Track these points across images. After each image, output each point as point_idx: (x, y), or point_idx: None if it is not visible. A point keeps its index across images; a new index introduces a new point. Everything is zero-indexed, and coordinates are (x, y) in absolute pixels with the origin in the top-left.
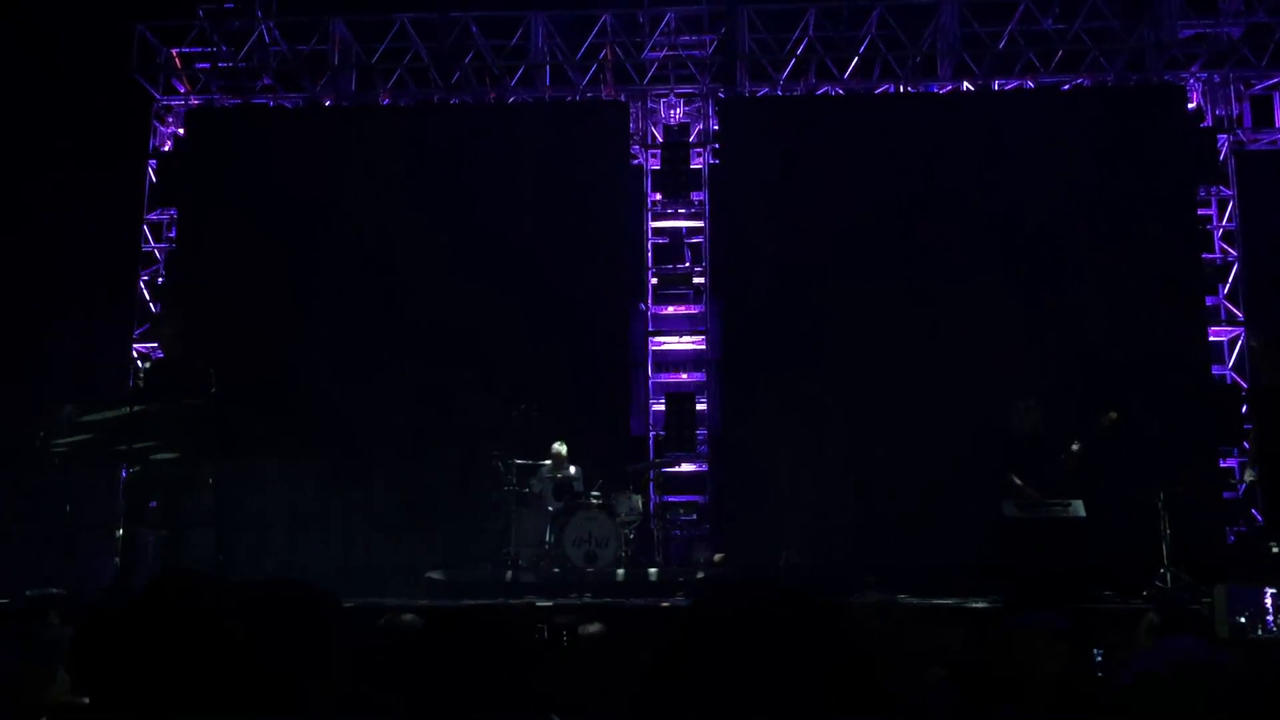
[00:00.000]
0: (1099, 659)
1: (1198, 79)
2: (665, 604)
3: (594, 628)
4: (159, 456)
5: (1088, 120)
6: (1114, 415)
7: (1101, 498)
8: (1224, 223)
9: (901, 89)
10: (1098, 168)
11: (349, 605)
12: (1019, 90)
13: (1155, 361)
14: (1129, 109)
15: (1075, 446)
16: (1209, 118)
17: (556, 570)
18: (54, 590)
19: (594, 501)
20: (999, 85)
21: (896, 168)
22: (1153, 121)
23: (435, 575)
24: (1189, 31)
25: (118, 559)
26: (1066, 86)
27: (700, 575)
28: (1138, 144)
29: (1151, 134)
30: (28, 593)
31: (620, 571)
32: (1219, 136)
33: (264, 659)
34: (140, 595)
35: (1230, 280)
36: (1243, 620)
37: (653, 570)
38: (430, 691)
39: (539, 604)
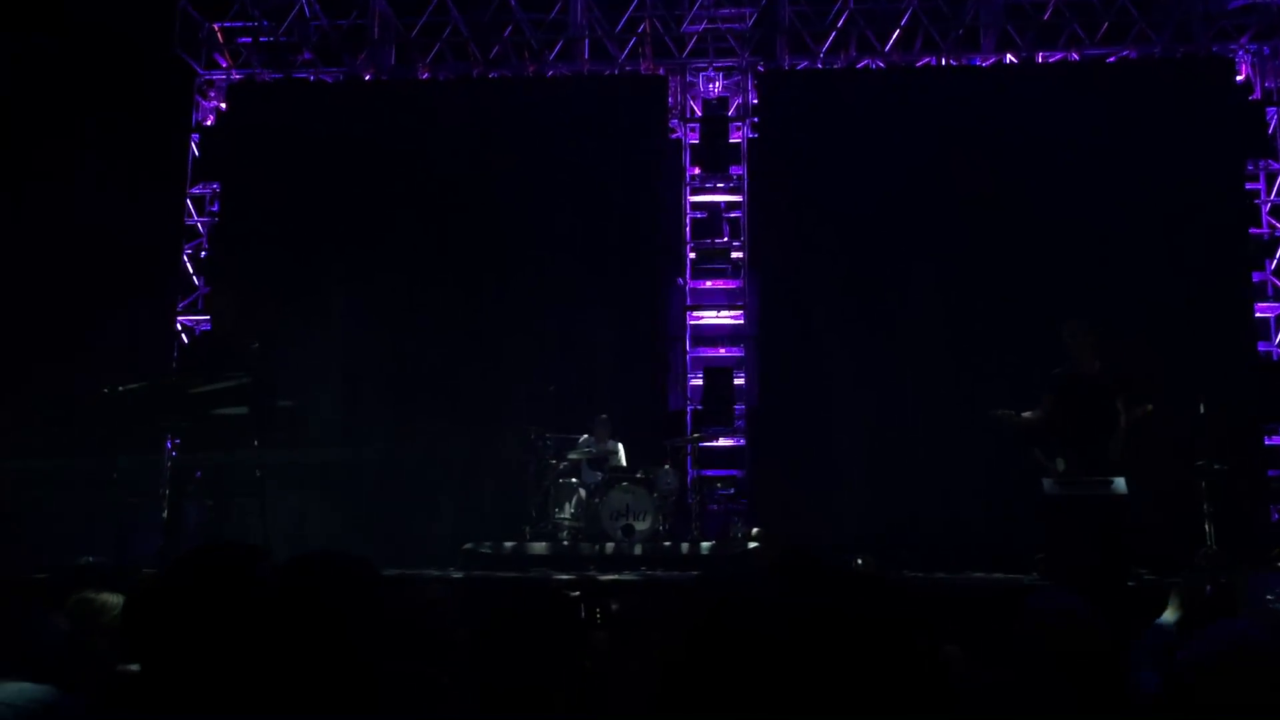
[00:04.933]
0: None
1: (1247, 51)
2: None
3: (623, 603)
4: (204, 428)
5: (1134, 93)
6: (1149, 408)
7: (1143, 475)
8: (1272, 197)
9: (943, 62)
10: (1143, 141)
11: (389, 575)
12: (1063, 63)
13: (1200, 337)
14: (1176, 81)
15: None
16: (1258, 90)
17: (594, 544)
18: (101, 560)
19: (632, 475)
20: (1043, 58)
21: (938, 141)
22: (1200, 94)
23: (473, 547)
24: (1238, 2)
25: (163, 529)
26: (1112, 59)
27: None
28: (1185, 117)
29: (1199, 107)
30: (77, 562)
31: (672, 545)
32: (1268, 109)
33: (305, 628)
34: (182, 564)
35: (1278, 256)
36: (1272, 604)
37: (686, 545)
38: (466, 662)
39: (573, 577)
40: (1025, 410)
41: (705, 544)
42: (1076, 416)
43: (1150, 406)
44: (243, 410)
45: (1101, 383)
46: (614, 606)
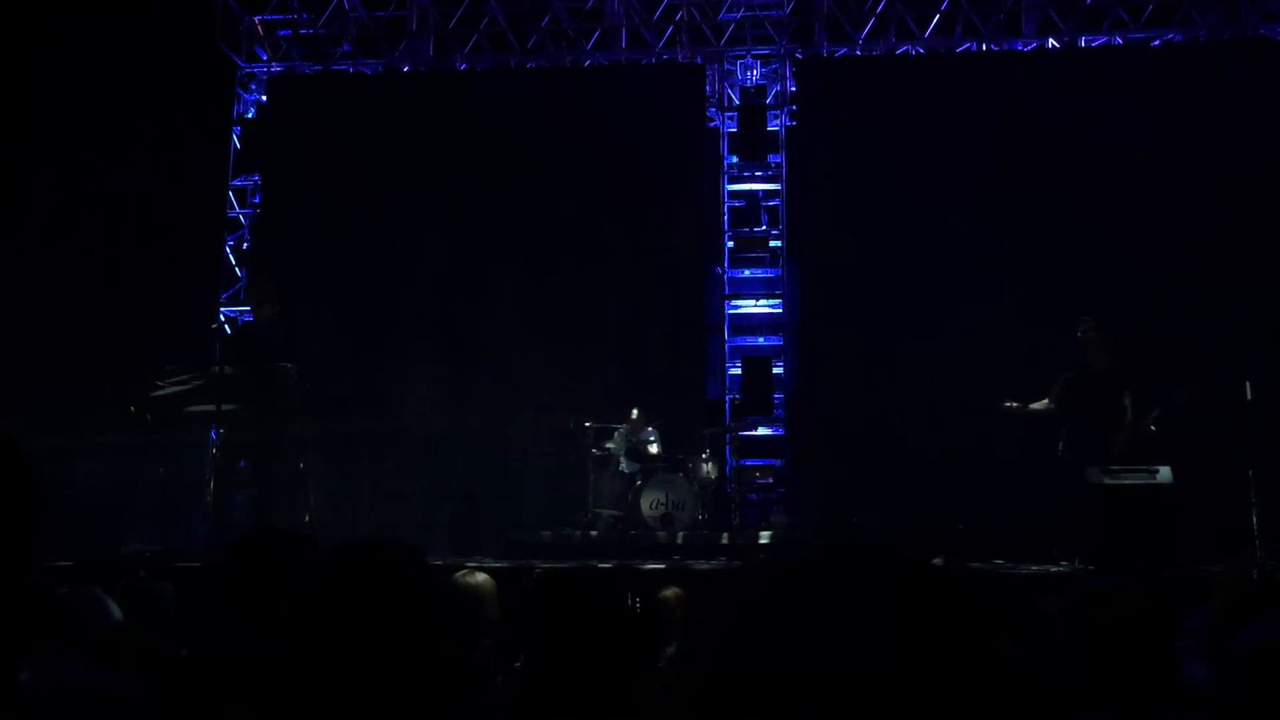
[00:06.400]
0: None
1: None
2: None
3: (670, 591)
4: (248, 418)
5: (1179, 77)
6: (1190, 392)
7: (1191, 463)
8: None
9: (984, 47)
10: (1189, 125)
11: (434, 563)
12: (1106, 47)
13: (1248, 320)
14: (1223, 64)
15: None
16: None
17: (633, 532)
18: (150, 546)
19: (670, 465)
20: (1086, 42)
21: (978, 128)
22: (1248, 78)
23: (514, 536)
24: None
25: (210, 518)
26: (1157, 42)
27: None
28: (1231, 100)
29: (1246, 90)
30: (123, 549)
31: (728, 536)
32: None
33: (352, 616)
34: (229, 553)
35: None
36: None
37: (728, 534)
38: (507, 649)
39: (613, 565)
40: (1034, 402)
41: (764, 533)
42: (1081, 410)
43: (1190, 391)
44: (282, 398)
45: (1108, 378)
46: (658, 596)
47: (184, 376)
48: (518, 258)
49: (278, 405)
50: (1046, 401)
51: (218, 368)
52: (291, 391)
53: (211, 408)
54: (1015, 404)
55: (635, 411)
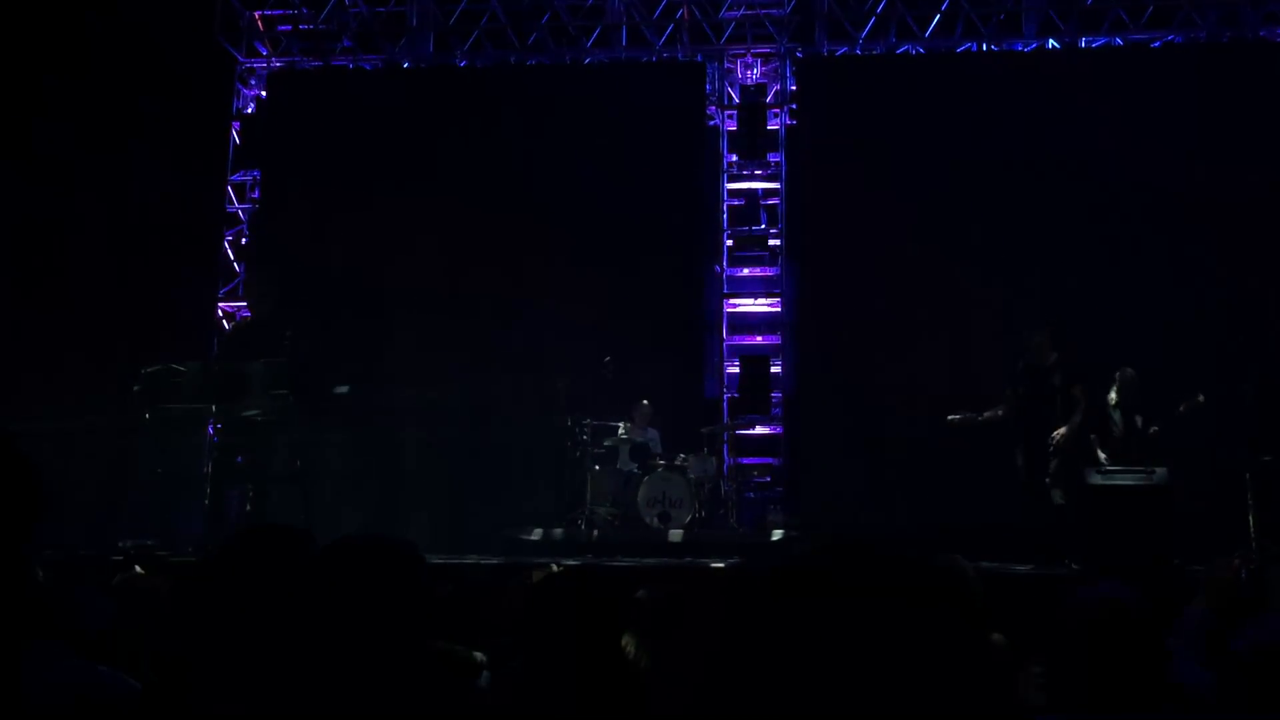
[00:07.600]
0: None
1: None
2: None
3: (667, 590)
4: (245, 413)
5: (1178, 79)
6: (1200, 399)
7: (1189, 465)
8: None
9: (984, 48)
10: (1189, 128)
11: (430, 561)
12: (1106, 48)
13: (1248, 324)
14: (1223, 67)
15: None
16: None
17: (631, 531)
18: (145, 542)
19: (668, 463)
20: (1085, 43)
21: (977, 128)
22: (1248, 80)
23: (512, 534)
24: None
25: (206, 514)
26: (1157, 44)
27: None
28: (1232, 103)
29: (1246, 93)
30: (120, 544)
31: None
32: None
33: (351, 612)
34: (227, 549)
35: None
36: None
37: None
38: (506, 647)
39: (613, 564)
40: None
41: (777, 531)
42: (1031, 406)
43: (1201, 397)
44: (278, 395)
45: (1057, 376)
46: (655, 595)
47: (163, 373)
48: (517, 255)
49: (273, 401)
50: (996, 408)
51: (210, 364)
52: (286, 388)
53: (187, 405)
54: (961, 415)
55: (644, 403)
